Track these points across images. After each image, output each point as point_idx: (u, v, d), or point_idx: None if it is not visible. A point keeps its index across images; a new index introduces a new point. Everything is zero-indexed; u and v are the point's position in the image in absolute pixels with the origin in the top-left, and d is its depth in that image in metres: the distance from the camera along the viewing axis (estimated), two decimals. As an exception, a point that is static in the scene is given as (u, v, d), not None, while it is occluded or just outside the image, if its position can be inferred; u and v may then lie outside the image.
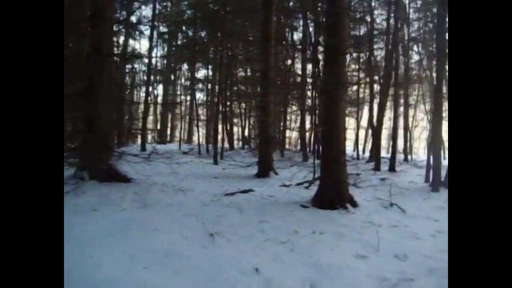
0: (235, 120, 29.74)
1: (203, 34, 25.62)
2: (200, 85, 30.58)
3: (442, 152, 14.55)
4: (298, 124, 26.19)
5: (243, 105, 28.29)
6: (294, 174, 12.62)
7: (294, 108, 27.14)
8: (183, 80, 34.20)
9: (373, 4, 20.86)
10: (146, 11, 28.73)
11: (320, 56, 17.28)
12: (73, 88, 8.52)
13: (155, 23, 24.71)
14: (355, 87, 24.35)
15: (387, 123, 24.19)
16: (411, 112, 27.08)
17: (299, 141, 27.04)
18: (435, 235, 5.91)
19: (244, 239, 5.21)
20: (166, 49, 30.78)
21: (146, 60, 24.58)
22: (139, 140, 23.81)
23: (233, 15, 19.76)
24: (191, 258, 4.34)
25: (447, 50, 10.54)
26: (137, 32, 24.80)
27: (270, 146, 13.76)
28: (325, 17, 10.58)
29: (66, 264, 2.92)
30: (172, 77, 32.69)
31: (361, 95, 25.97)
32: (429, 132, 19.28)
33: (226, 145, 24.82)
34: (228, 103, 25.26)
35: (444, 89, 13.81)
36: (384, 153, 23.76)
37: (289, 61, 24.51)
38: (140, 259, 4.23)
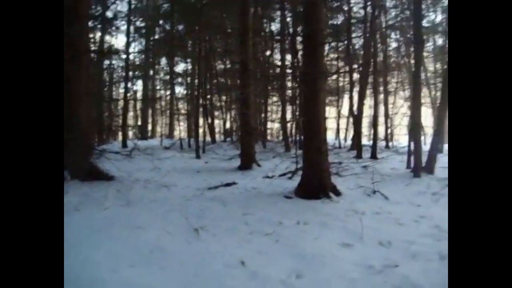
0: (216, 113, 29.62)
1: (180, 27, 25.45)
2: (180, 79, 30.44)
3: (422, 137, 14.72)
4: (279, 115, 26.19)
5: (224, 98, 28.22)
6: (276, 165, 12.64)
7: (275, 99, 27.15)
8: (162, 75, 33.95)
9: (350, -8, 20.91)
10: (122, 5, 28.36)
11: (299, 46, 17.30)
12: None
13: (131, 18, 24.46)
14: (334, 76, 24.40)
15: (367, 111, 24.34)
16: (391, 99, 27.34)
17: (281, 132, 27.07)
18: (418, 220, 5.98)
19: (228, 232, 5.21)
20: (143, 44, 30.50)
21: (124, 56, 24.34)
22: (120, 137, 23.60)
23: (210, 7, 19.63)
24: (176, 253, 4.32)
25: (424, 37, 10.63)
26: (113, 28, 24.53)
27: (252, 138, 13.75)
28: (302, 7, 10.58)
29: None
30: (151, 72, 32.42)
31: (340, 84, 26.09)
32: (409, 118, 19.45)
33: (208, 138, 24.72)
34: (209, 96, 25.16)
35: (422, 76, 13.96)
36: (366, 141, 23.95)
37: (268, 52, 24.46)
38: (125, 257, 4.20)
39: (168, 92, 33.16)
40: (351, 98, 21.37)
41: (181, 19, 23.82)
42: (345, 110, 27.98)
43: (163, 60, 30.92)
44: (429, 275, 3.81)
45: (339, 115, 25.59)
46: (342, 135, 27.08)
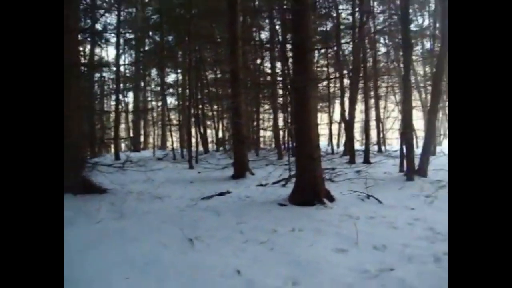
0: (208, 123, 29.59)
1: (170, 38, 25.46)
2: (171, 90, 30.37)
3: (414, 141, 14.78)
4: (271, 123, 26.22)
5: (215, 107, 28.21)
6: (270, 173, 12.66)
7: (266, 107, 27.18)
8: (153, 86, 33.86)
9: (337, -1, 21.07)
10: (111, 18, 28.32)
11: (289, 54, 17.37)
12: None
13: (121, 30, 24.43)
14: (325, 83, 24.51)
15: (359, 116, 24.43)
16: (382, 103, 27.46)
17: (273, 140, 27.09)
18: (412, 223, 6.00)
19: (223, 242, 5.20)
20: (133, 55, 30.46)
21: (114, 68, 24.29)
22: (112, 150, 23.51)
23: (199, 18, 19.68)
24: (171, 265, 4.30)
25: (412, 41, 10.70)
26: (103, 40, 24.47)
27: (245, 147, 13.75)
28: (290, 15, 10.64)
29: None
30: (142, 83, 32.35)
31: (331, 90, 26.16)
32: (400, 122, 19.56)
33: (201, 148, 24.70)
34: (200, 106, 25.16)
35: (412, 79, 14.04)
36: (358, 146, 24.01)
37: (258, 61, 24.53)
38: (120, 270, 4.18)
39: (159, 103, 33.10)
40: (342, 103, 21.44)
41: (170, 30, 23.85)
42: (336, 116, 28.11)
43: (154, 71, 30.85)
44: (425, 278, 3.82)
45: (331, 121, 25.66)
46: (334, 141, 27.14)
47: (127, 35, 27.39)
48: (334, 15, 20.88)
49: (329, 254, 4.58)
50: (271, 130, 26.29)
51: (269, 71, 23.71)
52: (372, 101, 21.72)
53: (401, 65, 15.31)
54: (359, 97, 21.37)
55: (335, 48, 21.64)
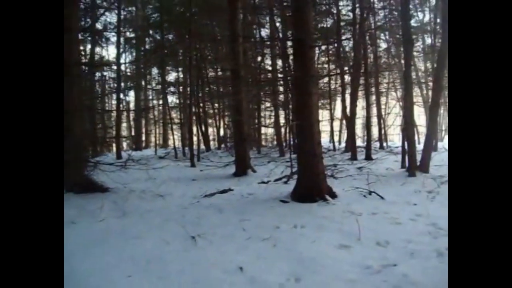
0: (210, 121, 29.60)
1: (170, 37, 25.45)
2: (172, 88, 30.37)
3: (416, 136, 14.76)
4: (272, 120, 26.22)
5: (216, 105, 28.20)
6: (271, 170, 12.64)
7: (268, 104, 27.17)
8: (154, 85, 33.88)
9: (337, -5, 21.03)
10: (111, 17, 28.33)
11: (290, 51, 17.35)
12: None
13: (121, 29, 24.42)
14: (326, 79, 24.48)
15: (360, 113, 24.40)
16: (383, 99, 27.44)
17: (275, 137, 27.09)
18: (414, 219, 6.00)
19: (226, 239, 5.20)
20: (134, 54, 30.46)
21: (115, 67, 24.28)
22: (114, 148, 23.52)
23: (199, 16, 19.64)
24: (174, 262, 4.31)
25: (413, 37, 10.68)
26: (103, 40, 24.47)
27: (246, 144, 13.74)
28: (290, 11, 10.63)
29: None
30: (143, 82, 32.36)
31: (332, 87, 26.12)
32: (402, 118, 19.54)
33: (202, 146, 24.68)
34: (201, 104, 25.14)
35: (413, 75, 14.02)
36: (360, 142, 24.00)
37: (259, 58, 24.50)
38: (123, 268, 4.19)
39: (160, 102, 33.13)
40: (343, 100, 21.43)
41: (170, 28, 23.84)
42: (338, 113, 28.10)
43: (155, 70, 30.87)
44: (428, 273, 3.82)
45: (332, 118, 25.62)
46: (336, 138, 27.13)
47: (128, 34, 27.42)
48: (335, 11, 20.83)
49: (331, 250, 4.58)
50: (273, 127, 26.29)
51: (270, 68, 23.67)
52: (373, 97, 21.68)
53: (402, 61, 15.31)
54: (360, 93, 21.33)
55: (336, 44, 21.63)
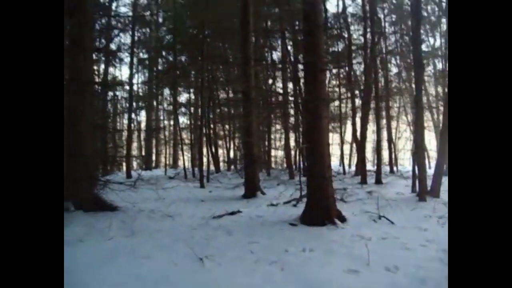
0: (220, 142, 29.67)
1: (183, 58, 25.73)
2: (183, 109, 30.60)
3: (426, 161, 14.67)
4: (283, 143, 26.24)
5: (227, 126, 28.31)
6: (281, 192, 12.61)
7: (278, 127, 27.23)
8: (165, 105, 34.16)
9: (349, 20, 21.22)
10: (125, 38, 28.75)
11: (301, 74, 17.45)
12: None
13: (135, 49, 24.77)
14: (337, 103, 24.55)
15: (371, 136, 24.36)
16: (393, 124, 27.40)
17: (284, 160, 27.07)
18: (425, 245, 5.92)
19: (234, 261, 5.17)
20: (147, 75, 30.80)
21: (128, 87, 24.56)
22: (124, 168, 23.63)
23: (211, 38, 19.86)
24: (181, 283, 4.29)
25: (424, 61, 10.71)
26: (117, 60, 24.80)
27: (256, 166, 13.74)
28: (302, 35, 10.72)
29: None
30: (154, 102, 32.65)
31: (343, 110, 26.18)
32: (412, 142, 19.47)
33: (212, 167, 24.72)
34: (212, 126, 25.26)
35: (424, 99, 14.02)
36: (370, 166, 23.90)
37: (270, 81, 24.66)
38: (130, 287, 4.17)
39: (171, 122, 33.36)
40: (354, 124, 21.45)
41: (183, 50, 24.11)
42: (348, 136, 28.07)
43: (167, 91, 31.18)
44: (438, 300, 3.76)
45: (342, 141, 25.60)
46: (346, 161, 27.05)
47: (141, 54, 27.81)
48: (346, 35, 21.00)
49: (340, 275, 4.53)
50: (283, 149, 26.30)
51: (281, 91, 23.79)
52: (384, 121, 21.67)
53: (413, 85, 15.34)
54: (371, 117, 21.35)
55: (347, 68, 21.73)
